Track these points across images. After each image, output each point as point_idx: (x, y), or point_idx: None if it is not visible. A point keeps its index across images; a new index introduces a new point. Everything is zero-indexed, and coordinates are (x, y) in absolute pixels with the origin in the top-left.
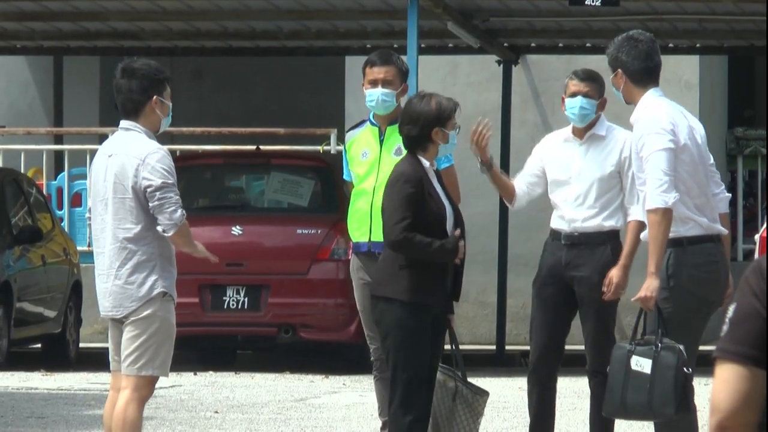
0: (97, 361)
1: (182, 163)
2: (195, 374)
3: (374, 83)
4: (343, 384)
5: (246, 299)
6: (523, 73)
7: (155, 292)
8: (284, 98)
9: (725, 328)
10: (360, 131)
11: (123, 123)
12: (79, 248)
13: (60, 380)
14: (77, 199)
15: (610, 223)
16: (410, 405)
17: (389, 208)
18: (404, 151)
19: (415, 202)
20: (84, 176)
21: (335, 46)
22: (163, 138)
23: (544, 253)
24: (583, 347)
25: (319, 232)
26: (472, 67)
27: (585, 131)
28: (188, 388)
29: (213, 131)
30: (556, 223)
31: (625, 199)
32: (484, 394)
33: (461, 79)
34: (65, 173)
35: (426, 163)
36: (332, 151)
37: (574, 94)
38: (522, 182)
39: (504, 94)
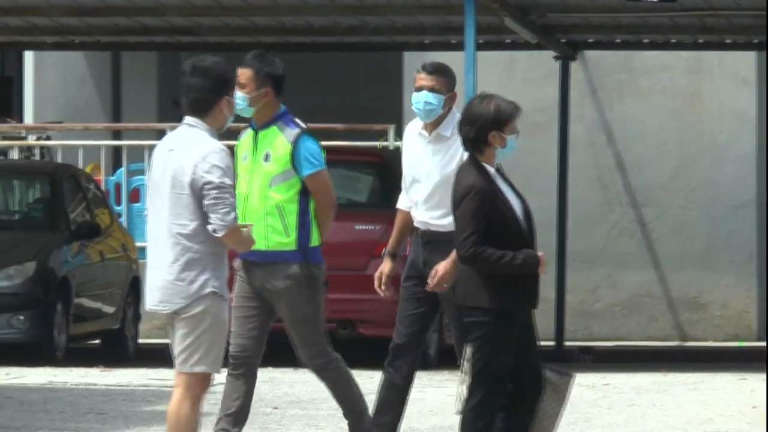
0: (156, 356)
1: None
2: None
3: None
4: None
5: None
6: (581, 68)
7: (206, 290)
8: (342, 94)
9: None
10: (245, 134)
11: (188, 119)
12: (137, 244)
13: (119, 376)
14: (135, 195)
15: None
16: (485, 410)
17: (459, 223)
18: (271, 158)
19: (485, 214)
20: (142, 172)
21: (392, 42)
22: (224, 134)
23: (411, 247)
24: (641, 343)
25: (377, 227)
26: (529, 63)
27: (433, 128)
28: None
29: None
30: (415, 220)
31: None
32: (570, 375)
33: (519, 74)
34: (123, 169)
35: (490, 168)
36: (390, 147)
37: (419, 88)
38: (407, 200)
39: (562, 90)
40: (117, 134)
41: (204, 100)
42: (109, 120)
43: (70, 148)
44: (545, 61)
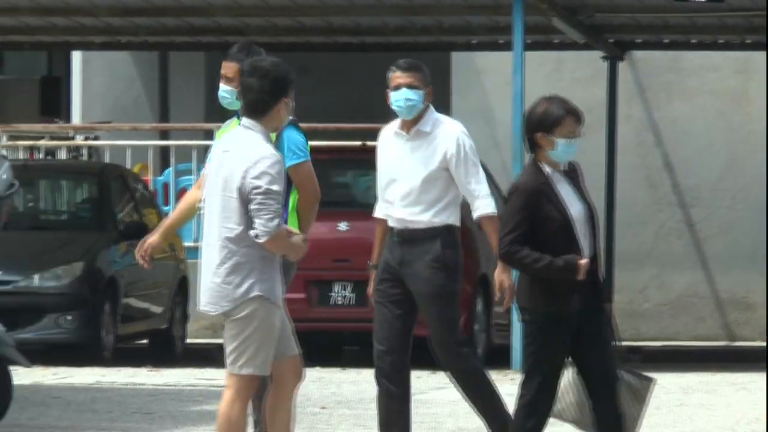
0: (204, 356)
1: None
2: None
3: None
4: (450, 379)
5: (353, 295)
6: (629, 69)
7: (251, 294)
8: None
9: None
10: (229, 123)
11: (244, 121)
12: (185, 244)
13: (166, 376)
14: (183, 195)
15: (440, 219)
16: (535, 409)
17: (501, 220)
18: None
19: (529, 214)
20: (190, 172)
21: (440, 42)
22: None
23: (384, 249)
24: (689, 343)
25: None
26: (577, 63)
27: (411, 125)
28: None
29: (319, 127)
30: (390, 220)
31: (464, 195)
32: (650, 380)
33: (567, 74)
34: (171, 169)
35: (546, 168)
36: None
37: (397, 87)
38: (384, 207)
39: (609, 90)
40: (165, 134)
41: (263, 101)
42: (156, 120)
43: (118, 148)
44: (593, 61)
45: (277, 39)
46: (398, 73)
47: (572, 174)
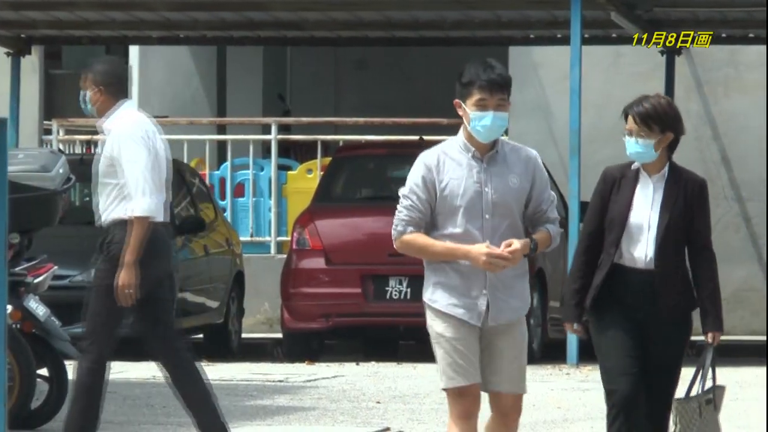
0: (259, 351)
1: (345, 154)
2: (357, 364)
3: None
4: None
5: (408, 290)
6: (686, 63)
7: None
8: (448, 88)
9: None
10: None
11: None
12: (241, 238)
13: (222, 370)
14: (240, 190)
15: (115, 214)
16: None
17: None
18: None
19: (601, 199)
20: (247, 166)
21: (498, 36)
22: (327, 128)
23: None
24: (745, 337)
25: None
26: (635, 58)
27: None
28: (350, 379)
29: (376, 121)
30: None
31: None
32: (722, 388)
33: (624, 69)
34: (228, 163)
35: (637, 166)
36: None
37: None
38: None
39: (667, 85)
40: (222, 129)
41: None
42: (214, 114)
43: (175, 143)
44: (651, 55)
45: (335, 33)
46: None
47: (682, 178)
